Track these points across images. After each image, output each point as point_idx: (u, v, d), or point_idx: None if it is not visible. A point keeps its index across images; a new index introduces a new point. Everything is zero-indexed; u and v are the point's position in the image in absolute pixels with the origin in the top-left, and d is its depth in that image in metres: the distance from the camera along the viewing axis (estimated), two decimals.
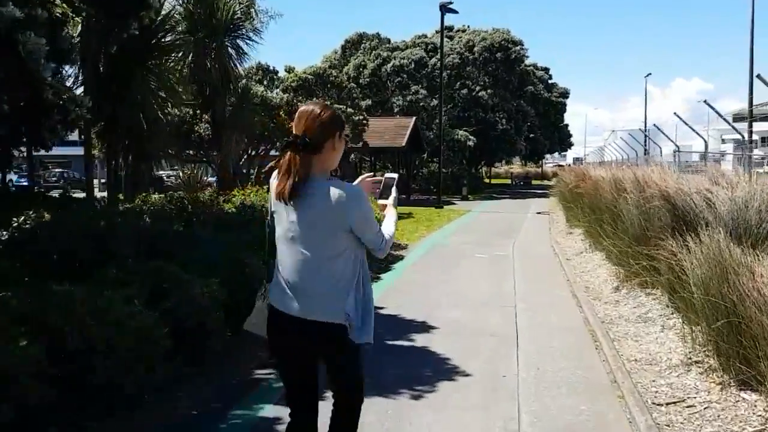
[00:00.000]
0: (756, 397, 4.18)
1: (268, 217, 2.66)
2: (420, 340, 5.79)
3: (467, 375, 4.85)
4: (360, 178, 2.83)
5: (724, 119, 10.18)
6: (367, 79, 36.73)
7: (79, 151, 13.74)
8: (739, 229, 6.02)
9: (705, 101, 10.35)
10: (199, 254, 5.65)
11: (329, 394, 2.69)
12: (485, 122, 37.80)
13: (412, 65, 36.67)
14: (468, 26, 42.16)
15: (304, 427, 2.68)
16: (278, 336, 2.59)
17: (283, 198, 2.46)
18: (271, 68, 25.48)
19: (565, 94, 52.01)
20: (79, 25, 9.41)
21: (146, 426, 3.91)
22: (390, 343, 5.56)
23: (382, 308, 6.74)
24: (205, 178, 21.82)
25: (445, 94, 31.45)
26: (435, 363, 5.15)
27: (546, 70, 50.28)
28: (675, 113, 12.72)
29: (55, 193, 11.45)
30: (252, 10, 12.14)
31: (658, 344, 5.62)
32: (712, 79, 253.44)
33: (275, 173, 2.58)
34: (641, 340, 5.79)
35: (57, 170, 42.01)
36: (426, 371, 4.90)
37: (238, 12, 11.66)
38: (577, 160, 56.42)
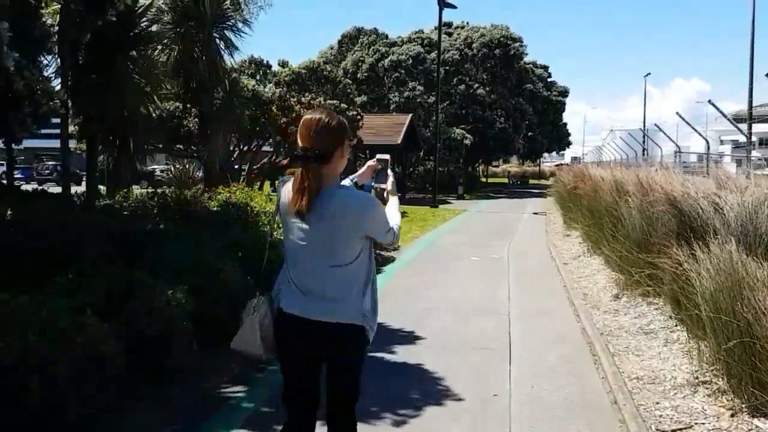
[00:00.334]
0: None
1: (272, 224, 2.79)
2: (406, 353, 5.37)
3: (455, 396, 4.43)
4: (366, 166, 2.84)
5: (730, 120, 9.81)
6: (365, 75, 36.25)
7: (75, 143, 13.33)
8: (749, 237, 5.63)
9: (710, 101, 9.96)
10: (170, 257, 5.25)
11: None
12: (483, 120, 37.37)
13: (410, 61, 36.20)
14: (467, 23, 41.75)
15: (302, 427, 2.67)
16: (288, 339, 2.56)
17: (301, 213, 2.43)
18: (265, 62, 25.00)
19: (564, 92, 51.64)
20: (58, 15, 8.99)
21: None
22: (372, 356, 5.15)
23: None
24: (198, 173, 21.38)
25: (442, 91, 31.04)
26: (421, 381, 4.75)
27: (545, 68, 49.89)
28: (677, 113, 12.33)
29: (51, 188, 11.05)
30: None
31: (661, 360, 5.23)
32: (710, 80, 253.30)
33: (286, 184, 2.56)
34: (643, 354, 5.41)
35: (50, 163, 41.53)
36: (411, 392, 4.50)
37: (227, 1, 11.21)
38: (574, 159, 56.00)
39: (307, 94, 18.45)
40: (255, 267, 6.14)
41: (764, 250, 5.32)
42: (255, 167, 20.50)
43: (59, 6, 8.73)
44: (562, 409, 4.30)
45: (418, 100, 34.92)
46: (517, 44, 38.77)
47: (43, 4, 8.19)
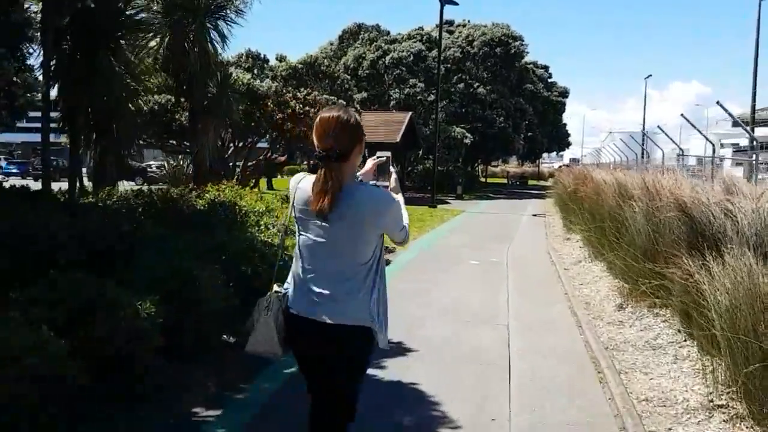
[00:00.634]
0: None
1: (284, 221, 2.80)
2: (395, 368, 4.98)
3: (452, 422, 4.04)
4: (369, 163, 2.74)
5: (739, 123, 9.46)
6: (367, 72, 35.81)
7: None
8: (765, 246, 5.27)
9: (718, 102, 9.61)
10: (144, 262, 4.87)
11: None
12: (483, 119, 36.98)
13: (411, 58, 35.77)
14: (468, 20, 41.37)
15: (325, 412, 2.62)
16: (296, 339, 2.54)
17: (323, 214, 2.40)
18: (262, 56, 24.55)
19: (564, 93, 51.33)
20: (41, 1, 8.60)
21: None
22: None
23: None
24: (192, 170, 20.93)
25: (442, 89, 30.63)
26: (411, 402, 4.37)
27: (546, 68, 49.57)
28: (682, 115, 12.01)
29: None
30: None
31: (671, 379, 4.86)
32: (710, 83, 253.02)
33: (299, 179, 2.56)
34: (652, 372, 5.04)
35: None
36: (399, 414, 4.12)
37: None
38: (573, 160, 55.71)
39: (303, 89, 18.04)
40: (239, 273, 5.78)
41: None
42: (250, 164, 20.11)
43: None
44: None
45: (418, 98, 34.52)
46: (518, 43, 38.37)
47: None
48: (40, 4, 8.64)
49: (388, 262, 10.07)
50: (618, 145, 21.52)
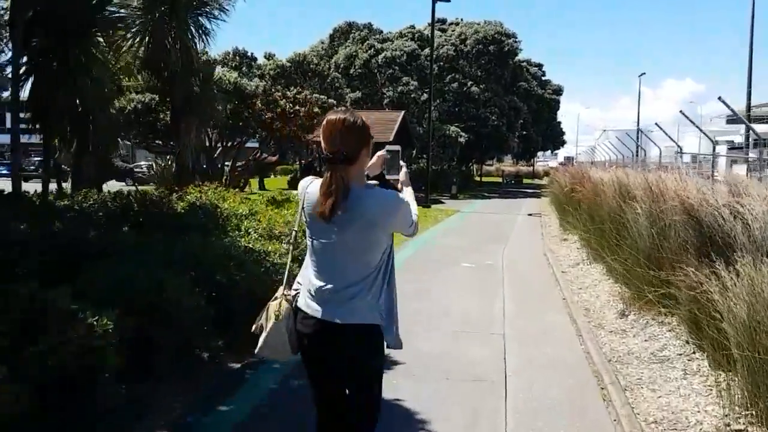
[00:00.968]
0: None
1: (295, 228, 2.78)
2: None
3: None
4: (376, 157, 2.69)
5: (741, 119, 9.11)
6: (359, 71, 35.39)
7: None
8: None
9: (720, 98, 9.18)
10: (106, 272, 4.46)
11: None
12: (477, 118, 36.60)
13: (404, 57, 35.37)
14: (461, 19, 41.02)
15: (332, 427, 2.64)
16: (305, 342, 2.52)
17: (331, 215, 2.38)
18: (249, 54, 24.08)
19: (558, 90, 51.02)
20: None
21: None
22: None
23: None
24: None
25: (435, 88, 30.26)
26: (396, 426, 3.99)
27: (539, 66, 49.25)
28: (681, 112, 11.64)
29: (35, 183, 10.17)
30: None
31: (681, 397, 4.49)
32: (704, 81, 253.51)
33: (307, 183, 2.56)
34: (659, 389, 4.66)
35: (36, 159, 40.48)
36: None
37: None
38: (568, 159, 55.38)
39: (292, 87, 17.62)
40: (213, 281, 5.37)
41: None
42: (239, 164, 19.68)
43: None
44: None
45: (412, 96, 34.11)
46: (511, 40, 38.00)
47: None
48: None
49: None
50: (613, 143, 21.25)
